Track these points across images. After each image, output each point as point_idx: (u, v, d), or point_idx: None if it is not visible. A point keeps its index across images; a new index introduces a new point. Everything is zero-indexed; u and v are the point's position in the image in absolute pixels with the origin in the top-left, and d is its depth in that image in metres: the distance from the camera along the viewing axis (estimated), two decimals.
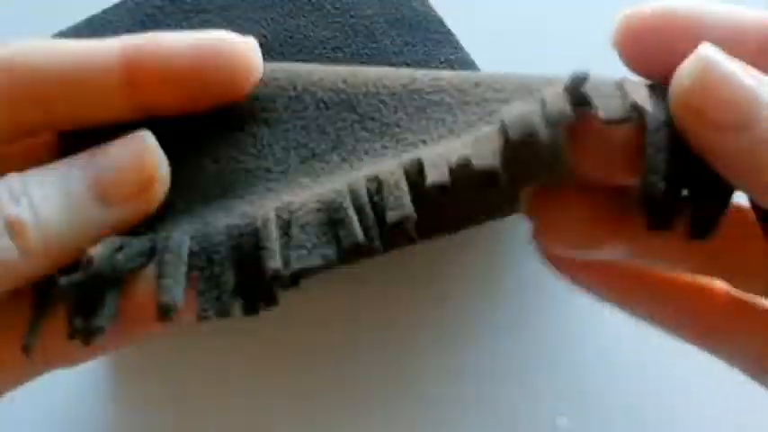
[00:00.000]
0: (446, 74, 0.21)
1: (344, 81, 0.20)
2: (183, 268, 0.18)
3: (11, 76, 0.18)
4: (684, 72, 0.17)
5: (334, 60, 0.33)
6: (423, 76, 0.20)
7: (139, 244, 0.18)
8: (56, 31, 0.35)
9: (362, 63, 0.33)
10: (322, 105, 0.20)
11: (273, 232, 0.18)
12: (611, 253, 0.20)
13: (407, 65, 0.33)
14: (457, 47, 0.33)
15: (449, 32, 0.34)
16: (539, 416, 0.30)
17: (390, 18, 0.34)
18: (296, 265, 0.17)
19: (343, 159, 0.19)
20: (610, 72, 0.19)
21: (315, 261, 0.17)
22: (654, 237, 0.18)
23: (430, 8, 0.35)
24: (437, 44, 0.33)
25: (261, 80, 0.20)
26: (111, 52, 0.18)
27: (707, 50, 0.17)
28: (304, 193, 0.18)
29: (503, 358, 0.32)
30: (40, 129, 0.19)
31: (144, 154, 0.18)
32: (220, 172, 0.19)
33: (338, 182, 0.18)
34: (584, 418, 0.29)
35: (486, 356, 0.32)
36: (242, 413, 0.31)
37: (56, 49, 0.18)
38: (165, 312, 0.17)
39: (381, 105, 0.20)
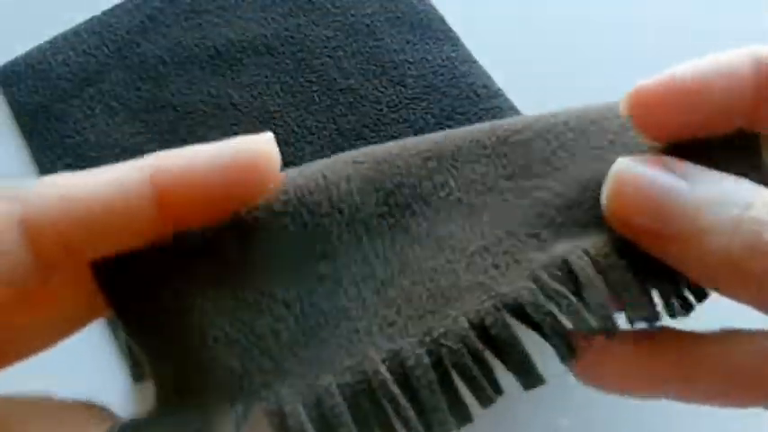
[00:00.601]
0: (474, 170, 0.20)
1: (386, 203, 0.20)
2: None
3: (34, 226, 0.17)
4: (604, 185, 0.18)
5: (335, 59, 0.33)
6: (453, 177, 0.20)
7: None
8: (57, 31, 0.35)
9: (363, 61, 0.33)
10: (374, 233, 0.19)
11: (394, 390, 0.17)
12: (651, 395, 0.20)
13: (409, 62, 0.33)
14: (457, 44, 0.33)
15: (449, 30, 0.34)
16: (540, 416, 0.30)
17: (391, 16, 0.34)
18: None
19: (414, 283, 0.19)
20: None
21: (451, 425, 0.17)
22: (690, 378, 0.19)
23: (430, 6, 0.35)
24: (438, 41, 0.33)
25: (305, 207, 0.19)
26: (140, 184, 0.17)
27: (620, 161, 0.18)
28: (400, 337, 0.18)
29: None
30: (63, 265, 0.18)
31: None
32: (297, 318, 0.18)
33: (429, 319, 0.18)
34: (586, 419, 0.29)
35: None
36: None
37: (78, 196, 0.17)
38: None
39: (428, 223, 0.20)
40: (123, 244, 0.18)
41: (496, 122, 0.21)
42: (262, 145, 0.18)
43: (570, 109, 0.21)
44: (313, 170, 0.20)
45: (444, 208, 0.20)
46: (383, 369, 0.17)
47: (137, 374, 0.28)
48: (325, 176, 0.19)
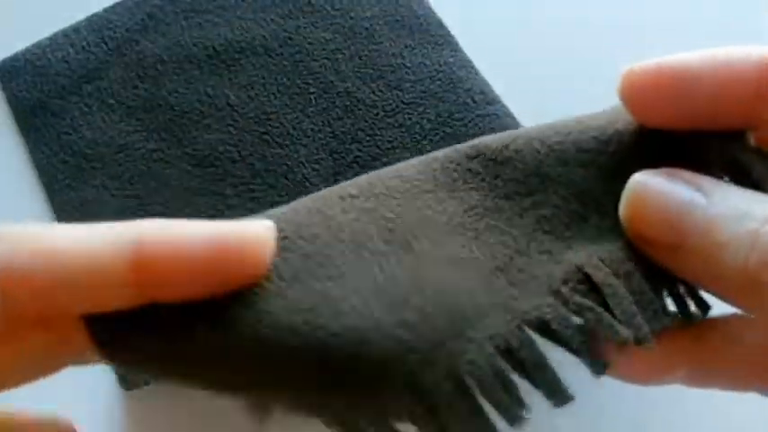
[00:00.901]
0: (471, 197, 0.20)
1: (388, 228, 0.19)
2: None
3: (4, 277, 0.16)
4: (622, 200, 0.18)
5: (333, 62, 0.33)
6: (452, 206, 0.20)
7: None
8: (57, 29, 0.35)
9: (361, 65, 0.33)
10: (378, 253, 0.19)
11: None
12: (670, 380, 0.20)
13: (406, 67, 0.33)
14: (456, 48, 0.33)
15: (448, 34, 0.34)
16: (538, 416, 0.30)
17: (390, 20, 0.34)
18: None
19: (435, 305, 0.18)
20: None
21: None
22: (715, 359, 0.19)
23: (429, 10, 0.34)
24: (436, 46, 0.33)
25: (304, 239, 0.19)
26: (118, 251, 0.17)
27: (637, 177, 0.18)
28: (428, 368, 0.18)
29: None
30: (36, 323, 0.17)
31: None
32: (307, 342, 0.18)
33: (451, 345, 0.18)
34: (586, 419, 0.29)
35: None
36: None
37: (53, 252, 0.16)
38: None
39: (433, 242, 0.19)
40: (95, 305, 0.17)
41: (484, 142, 0.21)
42: (257, 232, 0.17)
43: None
44: (307, 206, 0.19)
45: (447, 231, 0.20)
46: (408, 399, 0.17)
47: (125, 382, 0.28)
48: (320, 211, 0.19)
